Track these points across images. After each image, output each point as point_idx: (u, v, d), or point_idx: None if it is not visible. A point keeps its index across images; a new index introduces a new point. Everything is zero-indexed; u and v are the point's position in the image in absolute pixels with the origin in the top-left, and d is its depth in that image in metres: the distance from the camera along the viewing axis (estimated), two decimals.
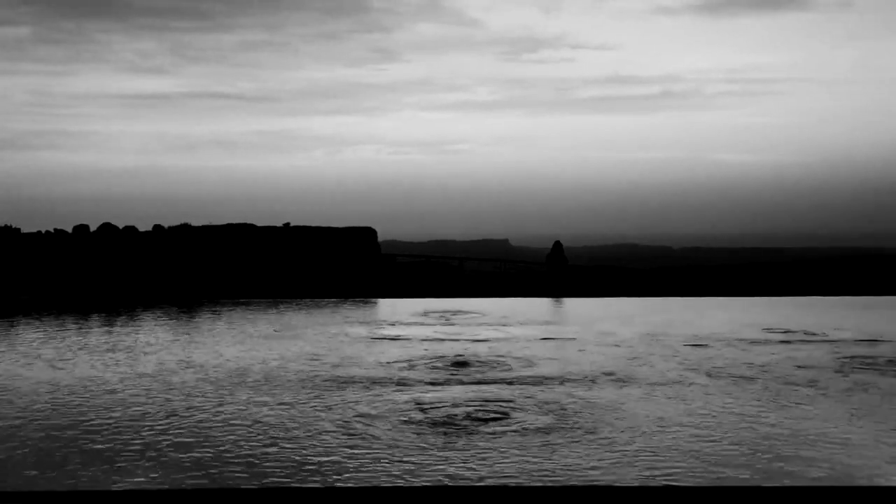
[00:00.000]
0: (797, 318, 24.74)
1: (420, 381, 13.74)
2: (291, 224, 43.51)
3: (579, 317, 25.80)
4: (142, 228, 41.43)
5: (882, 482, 8.36)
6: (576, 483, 8.20)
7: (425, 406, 11.69)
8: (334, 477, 8.45)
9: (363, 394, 12.68)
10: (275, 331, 21.60)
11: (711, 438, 9.90)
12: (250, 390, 13.05)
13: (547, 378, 14.02)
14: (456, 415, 11.08)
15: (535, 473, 8.50)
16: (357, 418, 10.98)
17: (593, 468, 8.69)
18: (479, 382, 13.64)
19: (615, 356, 16.69)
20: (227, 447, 9.57)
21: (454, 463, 8.87)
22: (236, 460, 9.04)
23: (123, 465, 8.87)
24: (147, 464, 8.90)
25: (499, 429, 10.35)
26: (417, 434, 10.11)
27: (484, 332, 21.15)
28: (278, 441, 9.84)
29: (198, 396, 12.56)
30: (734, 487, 8.09)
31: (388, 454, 9.22)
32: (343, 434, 10.15)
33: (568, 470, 8.63)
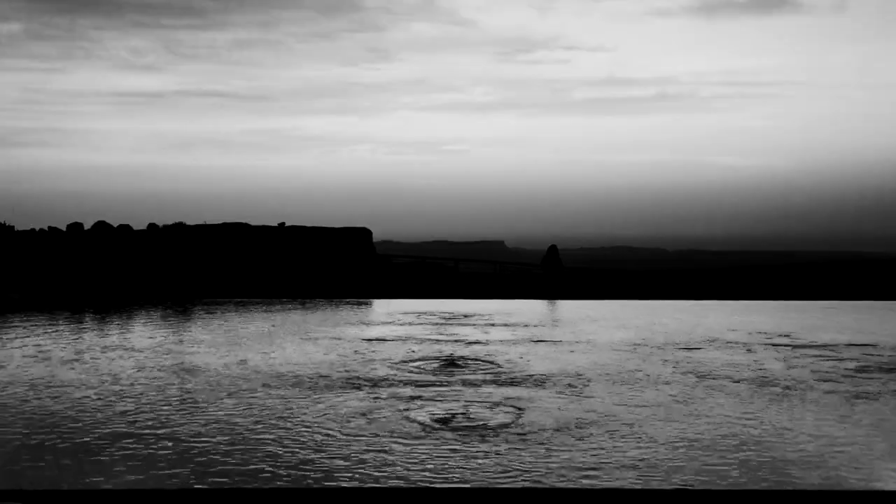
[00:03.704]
0: (792, 321, 24.79)
1: (412, 382, 13.75)
2: (286, 224, 43.46)
3: (573, 319, 25.82)
4: (136, 227, 41.37)
5: (877, 486, 8.39)
6: (570, 486, 8.21)
7: (418, 406, 11.70)
8: (329, 477, 8.45)
9: (356, 394, 12.68)
10: (270, 329, 21.58)
11: (707, 442, 9.91)
12: (244, 390, 13.04)
13: (540, 380, 14.04)
14: (448, 416, 11.09)
15: (528, 475, 8.51)
16: (350, 418, 10.98)
17: (588, 470, 8.70)
18: (471, 384, 13.66)
19: (609, 359, 16.72)
20: (223, 446, 9.56)
21: (447, 463, 8.87)
22: (233, 460, 9.03)
23: (120, 464, 8.86)
24: (143, 463, 8.88)
25: (491, 430, 10.36)
26: (411, 434, 10.11)
27: (478, 334, 21.16)
28: (272, 440, 9.84)
29: (192, 396, 12.55)
30: (731, 490, 8.10)
31: (382, 454, 9.22)
32: (337, 434, 10.14)
33: (562, 472, 8.63)
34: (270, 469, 8.74)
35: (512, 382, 13.83)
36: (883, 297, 34.26)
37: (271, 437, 10.05)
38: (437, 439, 9.93)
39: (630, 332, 21.51)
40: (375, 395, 12.60)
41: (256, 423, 10.80)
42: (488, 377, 14.36)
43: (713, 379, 14.30)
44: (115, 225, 40.82)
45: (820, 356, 17.19)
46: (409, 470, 8.69)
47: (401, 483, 8.26)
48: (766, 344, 19.28)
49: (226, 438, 9.95)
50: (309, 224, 44.01)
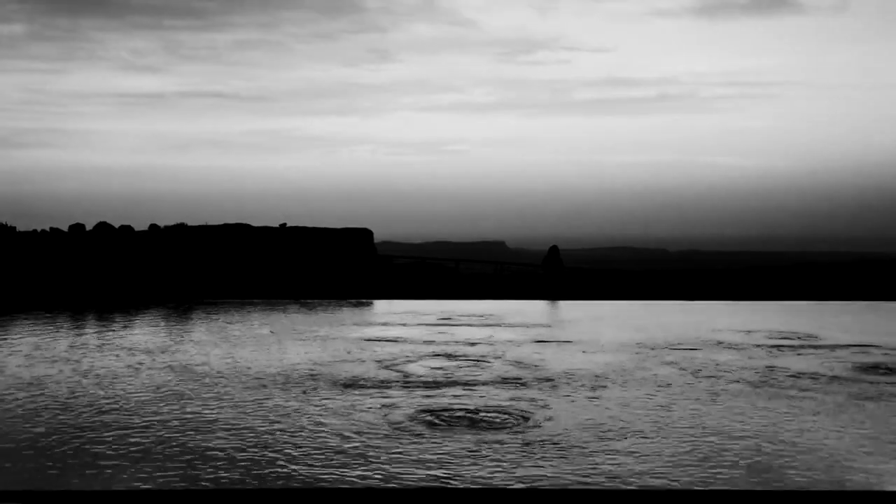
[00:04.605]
0: (793, 321, 24.79)
1: (413, 383, 13.75)
2: (288, 224, 43.45)
3: (574, 319, 25.82)
4: (138, 228, 41.35)
5: (877, 486, 8.40)
6: (568, 486, 8.22)
7: (417, 408, 11.71)
8: (328, 478, 8.46)
9: (355, 395, 12.69)
10: (270, 332, 21.60)
11: (705, 442, 9.92)
12: (244, 391, 13.06)
13: (540, 380, 14.04)
14: (448, 416, 11.10)
15: (527, 476, 8.52)
16: (350, 419, 10.99)
17: (587, 470, 8.71)
18: (472, 384, 13.66)
19: (610, 359, 16.72)
20: (221, 448, 9.57)
21: (446, 465, 8.88)
22: (231, 462, 9.04)
23: (118, 465, 8.87)
24: (141, 464, 8.89)
25: (491, 431, 10.37)
26: (410, 435, 10.12)
27: (479, 334, 21.16)
28: (271, 442, 9.85)
29: (191, 397, 12.57)
30: (731, 491, 8.12)
31: (380, 455, 9.23)
32: (335, 435, 10.16)
33: (561, 473, 8.65)
34: (261, 470, 8.75)
35: (513, 383, 13.83)
36: (884, 298, 34.26)
37: (264, 437, 10.06)
38: (438, 440, 9.93)
39: (634, 332, 21.51)
40: (375, 395, 12.61)
41: (251, 423, 10.81)
42: (490, 377, 14.35)
43: (716, 379, 14.31)
44: (117, 226, 40.83)
45: (821, 356, 17.19)
46: (408, 470, 8.69)
47: (399, 484, 8.27)
48: (767, 345, 19.27)
49: (226, 440, 9.96)
50: (310, 225, 43.98)
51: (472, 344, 19.20)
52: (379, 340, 19.70)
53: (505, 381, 13.95)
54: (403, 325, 23.59)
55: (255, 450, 9.52)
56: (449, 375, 14.58)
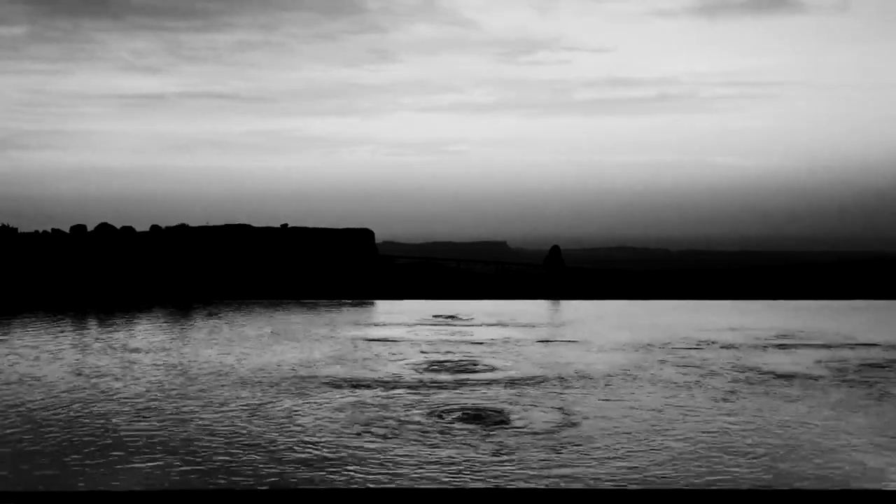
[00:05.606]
0: (795, 321, 24.81)
1: (414, 383, 13.77)
2: (289, 225, 43.47)
3: (576, 319, 25.84)
4: (139, 228, 41.37)
5: (877, 486, 8.41)
6: (569, 486, 8.23)
7: (418, 407, 11.72)
8: (327, 479, 8.48)
9: (356, 395, 12.70)
10: (271, 332, 21.62)
11: (707, 442, 9.94)
12: (245, 392, 13.07)
13: (542, 380, 14.06)
14: (449, 417, 11.11)
15: (529, 476, 8.53)
16: (350, 420, 11.01)
17: (589, 470, 8.73)
18: (473, 384, 13.67)
19: (611, 358, 16.74)
20: (221, 449, 9.59)
21: (447, 465, 8.89)
22: (230, 462, 9.06)
23: (117, 465, 8.89)
24: (139, 464, 8.92)
25: (492, 430, 10.38)
26: (410, 435, 10.13)
27: (480, 334, 21.18)
28: (270, 443, 9.87)
29: (191, 398, 12.59)
30: (728, 491, 8.13)
31: (380, 455, 9.25)
32: (335, 436, 10.18)
33: (562, 472, 8.66)
34: (260, 470, 8.77)
35: (515, 382, 13.84)
36: (884, 297, 34.27)
37: (264, 438, 10.08)
38: (438, 440, 9.94)
39: (636, 332, 21.53)
40: (376, 396, 12.62)
41: (252, 423, 10.83)
42: (491, 377, 14.36)
43: (717, 377, 14.33)
44: (118, 227, 40.85)
45: (822, 356, 17.21)
46: (408, 470, 8.71)
47: (397, 484, 8.28)
48: (768, 344, 19.29)
49: (226, 441, 9.98)
50: (311, 225, 43.98)
51: (475, 343, 19.21)
52: (380, 340, 19.71)
53: (512, 381, 13.96)
54: (405, 325, 23.60)
55: (254, 450, 9.54)
56: (451, 375, 14.59)
